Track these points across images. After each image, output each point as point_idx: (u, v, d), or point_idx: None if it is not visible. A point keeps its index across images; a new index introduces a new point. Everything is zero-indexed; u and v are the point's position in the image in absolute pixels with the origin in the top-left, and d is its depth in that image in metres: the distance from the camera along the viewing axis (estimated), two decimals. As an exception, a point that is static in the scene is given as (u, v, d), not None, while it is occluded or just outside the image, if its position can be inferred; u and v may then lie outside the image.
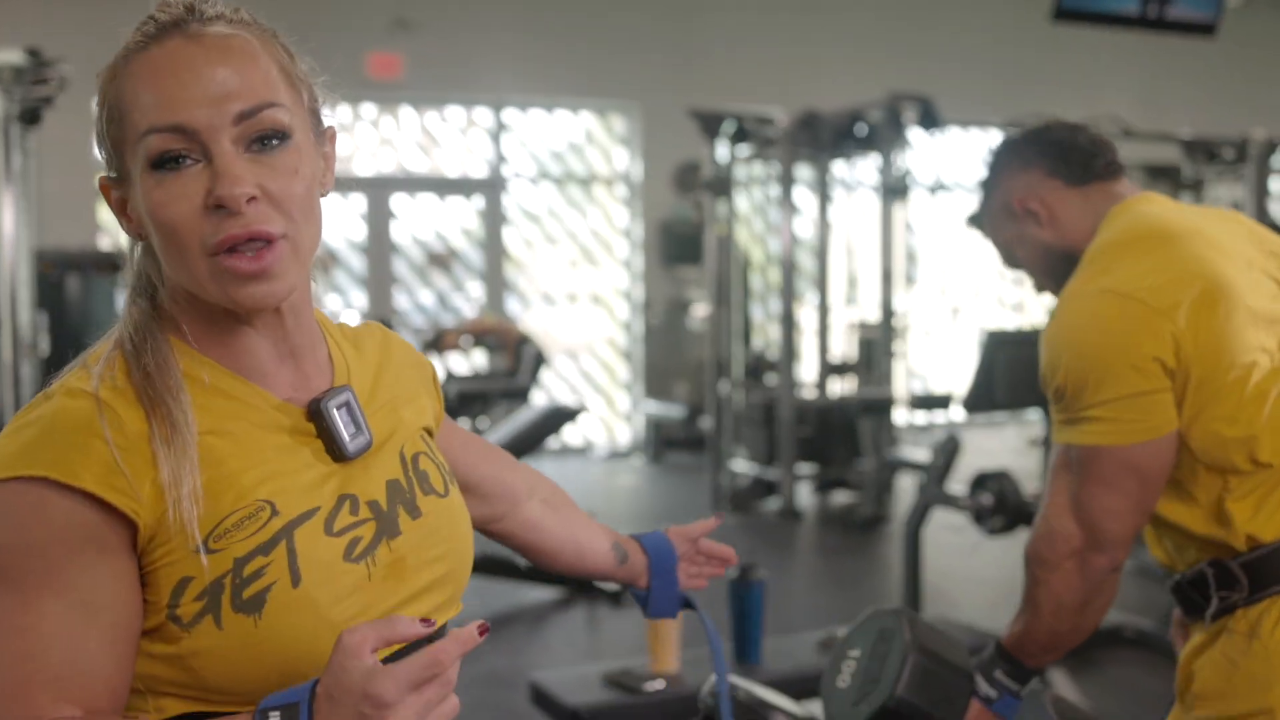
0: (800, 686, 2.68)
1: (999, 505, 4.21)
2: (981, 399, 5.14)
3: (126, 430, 1.05)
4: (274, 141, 1.10)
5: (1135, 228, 1.89)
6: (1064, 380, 1.81)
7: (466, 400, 7.90)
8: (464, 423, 8.06)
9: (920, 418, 10.31)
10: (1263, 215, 7.90)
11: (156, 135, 1.07)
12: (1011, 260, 2.07)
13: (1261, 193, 8.04)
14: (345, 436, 1.15)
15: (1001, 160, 2.04)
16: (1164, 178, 9.42)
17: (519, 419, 5.97)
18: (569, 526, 1.58)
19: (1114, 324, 1.78)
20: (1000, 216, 2.03)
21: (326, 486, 1.14)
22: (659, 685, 2.84)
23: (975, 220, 2.11)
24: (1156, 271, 1.80)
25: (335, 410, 1.15)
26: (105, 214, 8.94)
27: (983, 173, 2.08)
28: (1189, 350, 1.75)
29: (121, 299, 1.18)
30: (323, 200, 1.16)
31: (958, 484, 4.76)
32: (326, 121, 1.21)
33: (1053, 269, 1.99)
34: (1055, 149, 1.98)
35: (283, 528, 1.08)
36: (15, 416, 1.08)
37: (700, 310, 9.69)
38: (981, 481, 4.27)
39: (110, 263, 7.52)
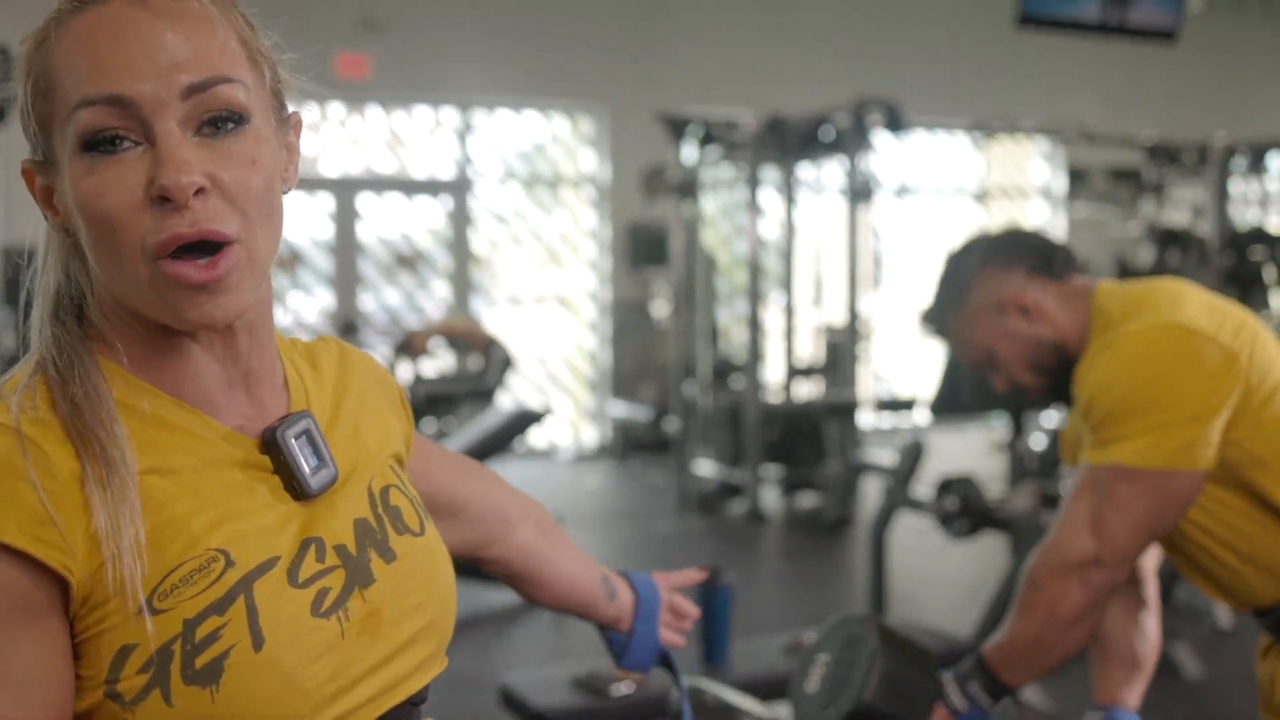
0: (767, 689, 2.70)
1: (964, 509, 4.25)
2: (947, 402, 5.19)
3: (55, 470, 0.89)
4: (229, 124, 0.94)
5: (1139, 289, 2.01)
6: (1117, 401, 1.88)
7: (433, 402, 7.89)
8: (430, 424, 8.06)
9: (885, 420, 10.37)
10: (1223, 218, 8.00)
11: (89, 109, 0.90)
12: (984, 359, 2.12)
13: (1221, 196, 8.14)
14: (306, 470, 1.00)
15: (974, 263, 2.10)
16: (1126, 181, 9.52)
17: (485, 422, 5.98)
18: (563, 555, 1.40)
19: (1183, 350, 1.87)
20: (981, 315, 2.08)
21: (287, 530, 0.98)
22: (627, 688, 2.86)
23: (934, 320, 2.15)
24: (1200, 310, 1.92)
25: (293, 440, 1.00)
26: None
27: (947, 277, 2.13)
28: (1249, 371, 1.87)
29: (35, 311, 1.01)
30: (284, 199, 1.01)
31: (923, 487, 4.80)
32: (291, 107, 1.05)
33: (1039, 362, 2.06)
34: (1033, 248, 2.07)
35: (240, 580, 0.92)
36: None
37: (665, 312, 9.72)
38: (947, 486, 4.31)
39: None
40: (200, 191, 0.91)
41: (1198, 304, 1.94)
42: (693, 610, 1.51)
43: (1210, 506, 1.92)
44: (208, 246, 0.92)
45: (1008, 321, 2.06)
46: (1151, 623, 2.16)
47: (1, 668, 0.87)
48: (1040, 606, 1.90)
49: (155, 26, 0.92)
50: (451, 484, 1.31)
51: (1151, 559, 2.18)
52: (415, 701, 1.05)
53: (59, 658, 0.89)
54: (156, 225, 0.90)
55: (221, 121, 0.93)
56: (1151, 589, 2.18)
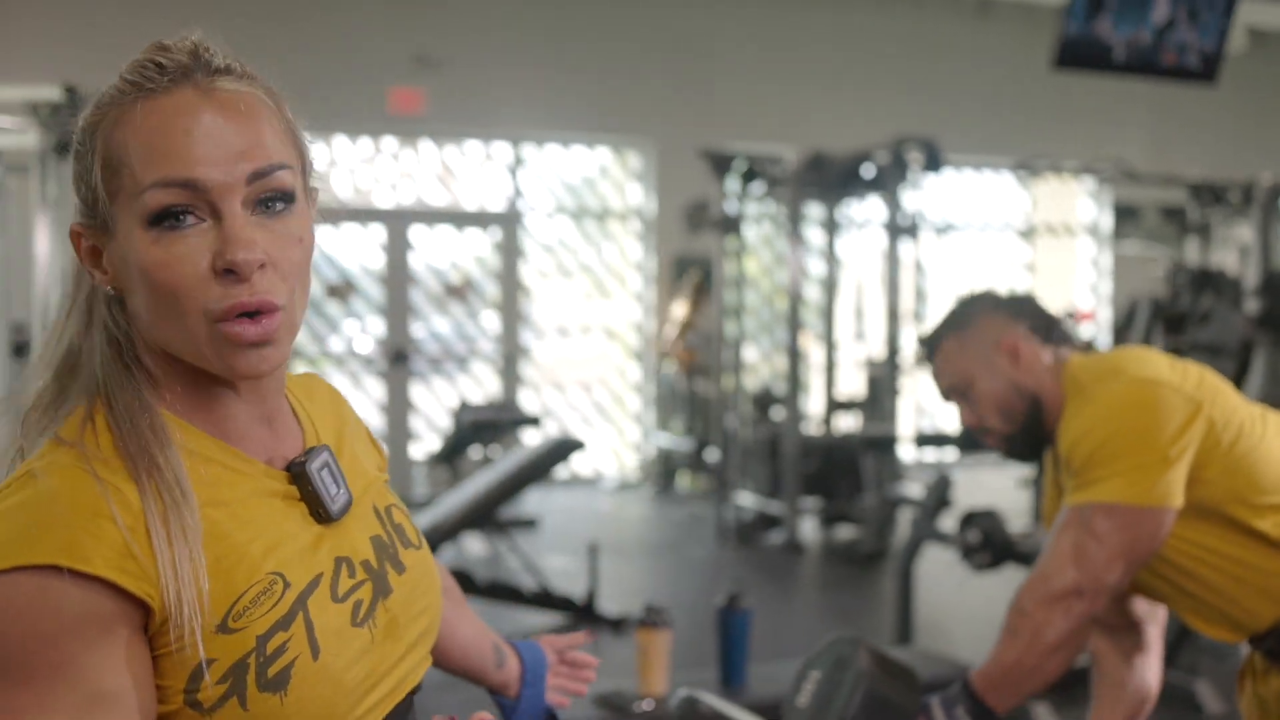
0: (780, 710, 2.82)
1: (986, 542, 4.35)
2: (973, 438, 5.26)
3: (132, 508, 0.99)
4: (279, 204, 1.05)
5: (1107, 356, 2.25)
6: (1096, 447, 2.06)
7: (478, 429, 8.06)
8: (475, 451, 8.22)
9: (927, 454, 10.42)
10: (1268, 258, 8.01)
11: (162, 190, 1.01)
12: (961, 386, 2.29)
13: (1267, 235, 8.14)
14: (330, 497, 1.13)
15: (986, 303, 2.31)
16: (1171, 220, 9.54)
17: (525, 449, 6.14)
18: (459, 620, 1.48)
19: (1152, 401, 2.06)
20: (976, 345, 2.27)
21: (321, 550, 1.11)
22: (648, 705, 2.98)
23: (933, 339, 2.33)
24: (1164, 367, 2.13)
25: (318, 472, 1.13)
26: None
27: (957, 308, 2.33)
28: (1212, 416, 2.06)
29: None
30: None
31: (949, 521, 4.89)
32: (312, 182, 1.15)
33: (1010, 407, 2.24)
34: (1038, 313, 2.29)
35: (297, 599, 1.05)
36: None
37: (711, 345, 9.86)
38: (970, 519, 4.41)
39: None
40: (261, 266, 1.03)
41: (1162, 363, 2.14)
42: (590, 660, 1.62)
43: (1200, 538, 2.07)
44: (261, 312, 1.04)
45: (996, 359, 2.24)
46: (1151, 667, 2.33)
47: (94, 680, 0.97)
48: (1025, 632, 2.05)
49: (221, 119, 1.03)
50: None
51: (1155, 610, 2.34)
52: (414, 692, 1.20)
53: (144, 672, 0.99)
54: (222, 294, 1.02)
55: (273, 201, 1.05)
56: (1154, 634, 2.34)
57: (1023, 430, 2.25)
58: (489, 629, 1.54)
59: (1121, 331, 7.47)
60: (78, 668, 0.96)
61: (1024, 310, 2.29)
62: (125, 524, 0.97)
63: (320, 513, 1.12)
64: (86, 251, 1.08)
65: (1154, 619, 2.36)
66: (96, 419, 1.05)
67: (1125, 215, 11.38)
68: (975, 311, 2.30)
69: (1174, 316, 6.56)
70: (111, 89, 1.05)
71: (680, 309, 9.98)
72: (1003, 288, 2.40)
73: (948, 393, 2.32)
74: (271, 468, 1.12)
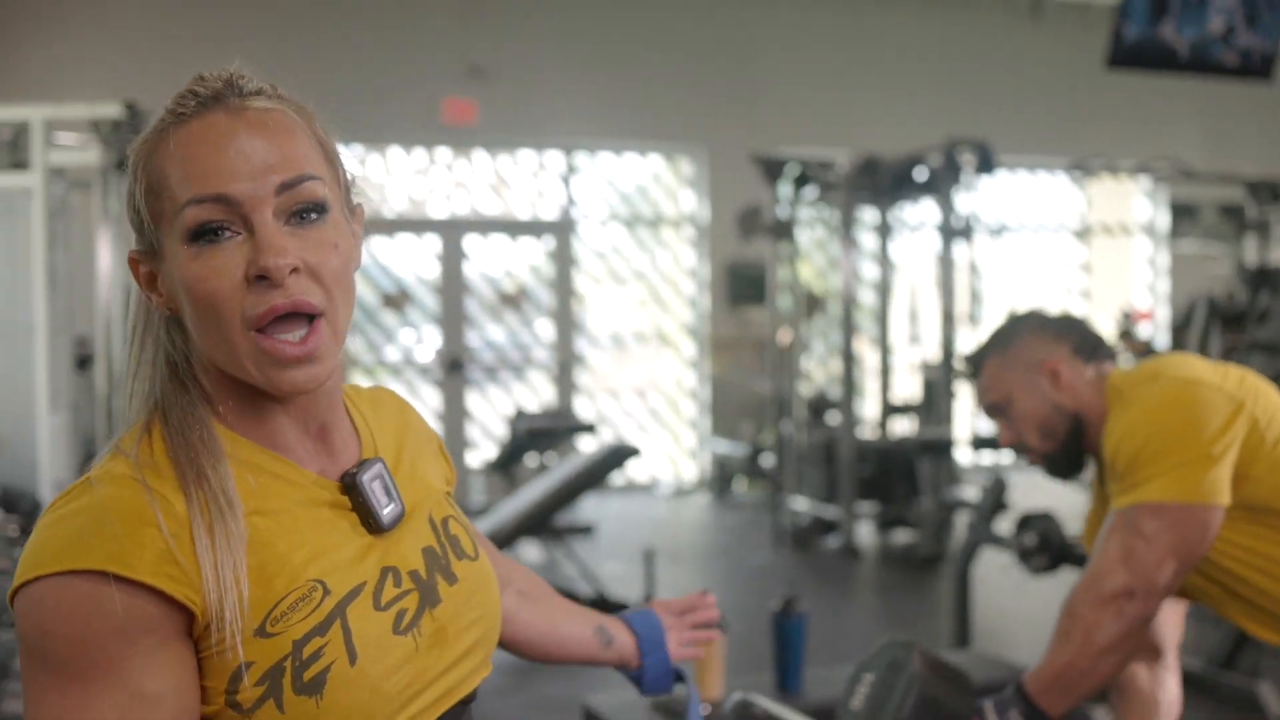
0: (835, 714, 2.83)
1: (1042, 545, 4.33)
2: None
3: (177, 516, 1.03)
4: (312, 215, 1.09)
5: (1147, 364, 2.25)
6: (1139, 449, 2.07)
7: (534, 437, 8.10)
8: (531, 459, 8.27)
9: (984, 457, 10.36)
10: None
11: (197, 206, 1.05)
12: (1001, 403, 2.31)
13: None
14: (381, 509, 1.15)
15: (1030, 324, 2.35)
16: (1229, 218, 9.46)
17: (581, 456, 6.17)
18: (548, 616, 1.55)
19: (1191, 400, 2.09)
20: (1017, 365, 2.30)
21: (368, 560, 1.14)
22: (705, 709, 2.99)
23: (976, 357, 2.36)
24: (1204, 368, 2.16)
25: (370, 483, 1.16)
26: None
27: (1002, 328, 2.36)
28: (1255, 413, 2.08)
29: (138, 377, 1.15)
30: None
31: (1005, 524, 4.88)
32: (356, 199, 1.19)
33: (1048, 423, 2.27)
34: (1080, 333, 2.32)
35: (335, 607, 1.08)
36: (53, 505, 1.05)
37: (765, 349, 9.86)
38: (1026, 522, 4.40)
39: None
40: (294, 271, 1.06)
41: (1202, 365, 2.16)
42: (706, 600, 1.66)
43: (1250, 543, 2.08)
44: (299, 318, 1.07)
45: (1038, 380, 2.26)
46: (1176, 687, 2.36)
47: (140, 680, 1.01)
48: (1077, 635, 2.06)
49: (250, 135, 1.07)
50: None
51: (1175, 633, 2.35)
52: (467, 701, 1.21)
53: (187, 674, 1.04)
54: (256, 300, 1.06)
55: (306, 212, 1.09)
56: (1173, 657, 2.37)
57: (1063, 449, 2.27)
58: (590, 613, 1.58)
59: (1180, 331, 7.41)
60: (123, 668, 1.01)
61: (1068, 331, 2.31)
62: (170, 531, 1.02)
63: (370, 523, 1.15)
64: (144, 278, 1.14)
65: (1173, 643, 2.39)
66: (154, 431, 1.10)
67: (1182, 214, 11.27)
68: (1019, 331, 2.32)
69: (1232, 315, 6.50)
70: (155, 120, 1.11)
71: None
72: (1051, 306, 2.42)
73: (989, 410, 2.35)
74: (323, 478, 1.15)
